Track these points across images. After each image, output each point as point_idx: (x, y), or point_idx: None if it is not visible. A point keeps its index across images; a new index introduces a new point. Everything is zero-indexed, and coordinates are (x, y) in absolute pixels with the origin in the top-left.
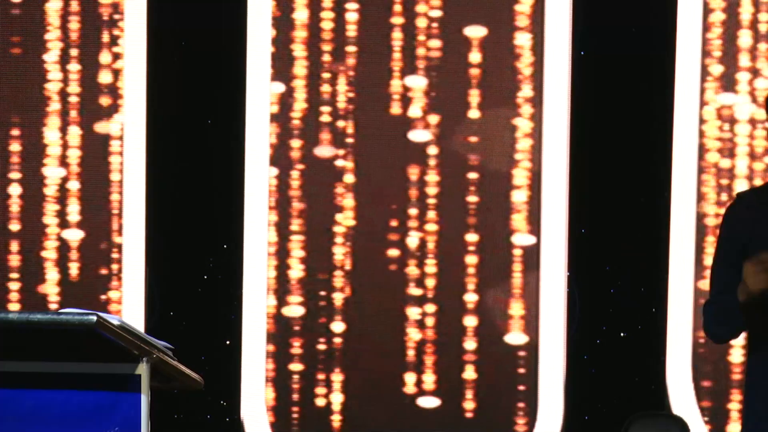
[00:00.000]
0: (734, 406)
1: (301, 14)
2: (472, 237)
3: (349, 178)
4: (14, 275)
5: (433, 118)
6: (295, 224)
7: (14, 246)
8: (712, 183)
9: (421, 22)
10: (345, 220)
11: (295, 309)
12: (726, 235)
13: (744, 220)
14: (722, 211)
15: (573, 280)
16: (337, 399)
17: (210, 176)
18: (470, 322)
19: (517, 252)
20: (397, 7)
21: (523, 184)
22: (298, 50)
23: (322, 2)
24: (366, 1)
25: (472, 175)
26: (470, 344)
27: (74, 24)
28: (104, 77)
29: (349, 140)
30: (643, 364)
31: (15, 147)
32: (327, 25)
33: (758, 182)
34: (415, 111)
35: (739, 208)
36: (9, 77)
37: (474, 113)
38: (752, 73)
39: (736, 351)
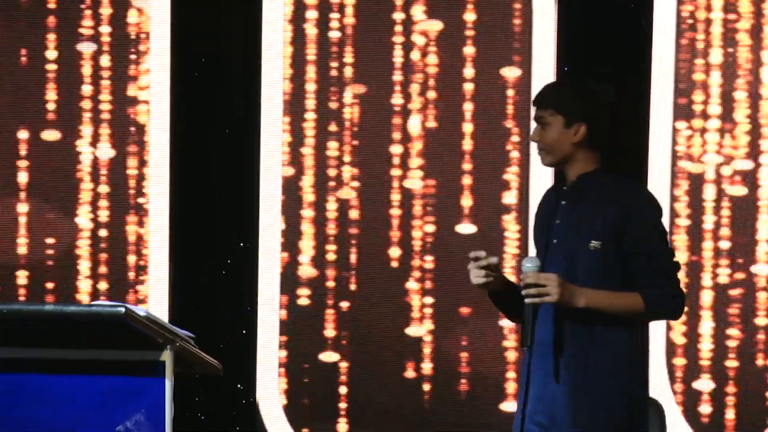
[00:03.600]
0: (704, 389)
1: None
2: (467, 236)
3: (355, 183)
4: (50, 273)
5: (431, 123)
6: (306, 224)
7: (49, 245)
8: (685, 187)
9: (419, 40)
10: (351, 222)
11: (305, 301)
12: None
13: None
14: (692, 212)
15: None
16: (344, 383)
17: (227, 180)
18: (463, 314)
19: (508, 251)
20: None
21: (513, 187)
22: (310, 54)
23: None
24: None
25: (467, 180)
26: (463, 334)
27: (105, 45)
28: (132, 90)
29: (355, 142)
30: None
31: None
32: (335, 34)
33: (729, 187)
34: (414, 122)
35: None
36: (43, 87)
37: (468, 126)
38: (723, 87)
39: (706, 340)
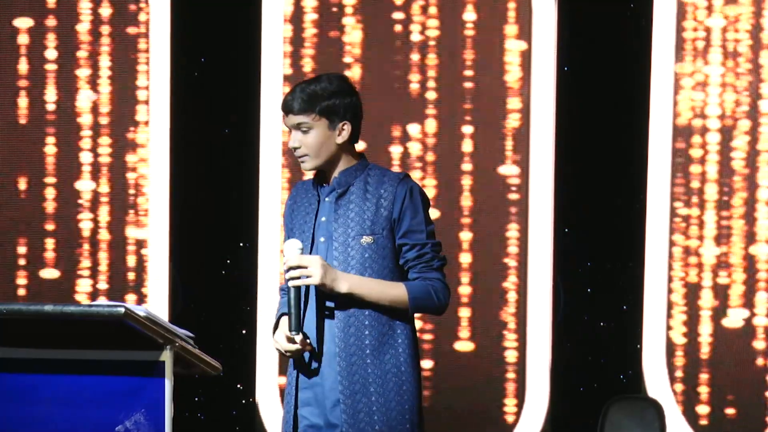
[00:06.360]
0: (703, 389)
1: (310, 31)
2: (466, 235)
3: None
4: (52, 272)
5: (431, 128)
6: None
7: (50, 245)
8: (684, 186)
9: (419, 36)
10: None
11: None
12: None
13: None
14: (692, 212)
15: (558, 274)
16: None
17: (227, 180)
18: (464, 313)
19: (508, 251)
20: (398, 20)
21: (513, 188)
22: (310, 54)
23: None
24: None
25: (467, 180)
26: (464, 333)
27: (105, 47)
28: (132, 93)
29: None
30: (621, 352)
31: (51, 150)
32: (334, 34)
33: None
34: (414, 128)
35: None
36: (43, 89)
37: (467, 128)
38: (722, 87)
39: (705, 339)
